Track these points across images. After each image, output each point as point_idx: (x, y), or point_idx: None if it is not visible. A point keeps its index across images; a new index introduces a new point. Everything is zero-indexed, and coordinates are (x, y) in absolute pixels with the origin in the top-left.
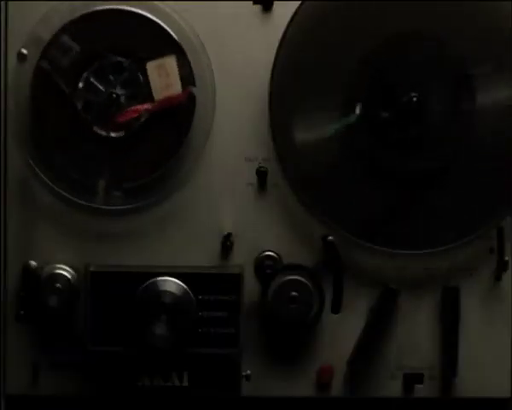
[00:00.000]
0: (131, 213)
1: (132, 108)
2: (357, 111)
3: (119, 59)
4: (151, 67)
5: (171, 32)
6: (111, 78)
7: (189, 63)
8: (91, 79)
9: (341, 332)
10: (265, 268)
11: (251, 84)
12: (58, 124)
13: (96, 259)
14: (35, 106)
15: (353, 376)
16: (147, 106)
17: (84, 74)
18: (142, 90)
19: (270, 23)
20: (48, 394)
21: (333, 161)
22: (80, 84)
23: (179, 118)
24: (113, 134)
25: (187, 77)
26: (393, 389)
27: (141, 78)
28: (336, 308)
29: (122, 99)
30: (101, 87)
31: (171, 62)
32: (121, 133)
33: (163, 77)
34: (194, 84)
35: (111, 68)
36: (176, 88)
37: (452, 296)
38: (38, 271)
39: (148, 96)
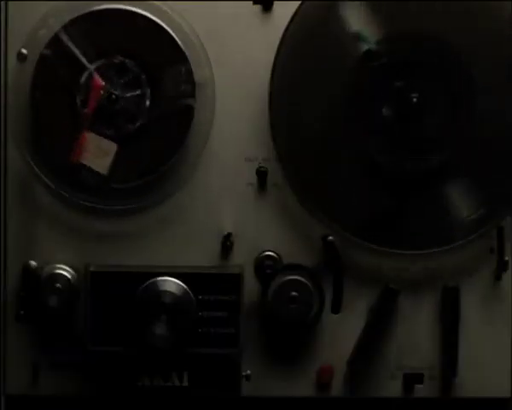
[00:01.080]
0: (131, 213)
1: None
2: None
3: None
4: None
5: (171, 32)
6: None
7: (188, 63)
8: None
9: (341, 332)
10: (265, 268)
11: (251, 84)
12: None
13: (96, 259)
14: (35, 106)
15: (353, 376)
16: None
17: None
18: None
19: (270, 23)
20: (48, 394)
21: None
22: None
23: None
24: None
25: (186, 77)
26: (393, 389)
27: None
28: (336, 308)
29: (122, 100)
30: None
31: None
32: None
33: (99, 153)
34: (193, 84)
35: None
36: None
37: (452, 296)
38: (38, 271)
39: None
